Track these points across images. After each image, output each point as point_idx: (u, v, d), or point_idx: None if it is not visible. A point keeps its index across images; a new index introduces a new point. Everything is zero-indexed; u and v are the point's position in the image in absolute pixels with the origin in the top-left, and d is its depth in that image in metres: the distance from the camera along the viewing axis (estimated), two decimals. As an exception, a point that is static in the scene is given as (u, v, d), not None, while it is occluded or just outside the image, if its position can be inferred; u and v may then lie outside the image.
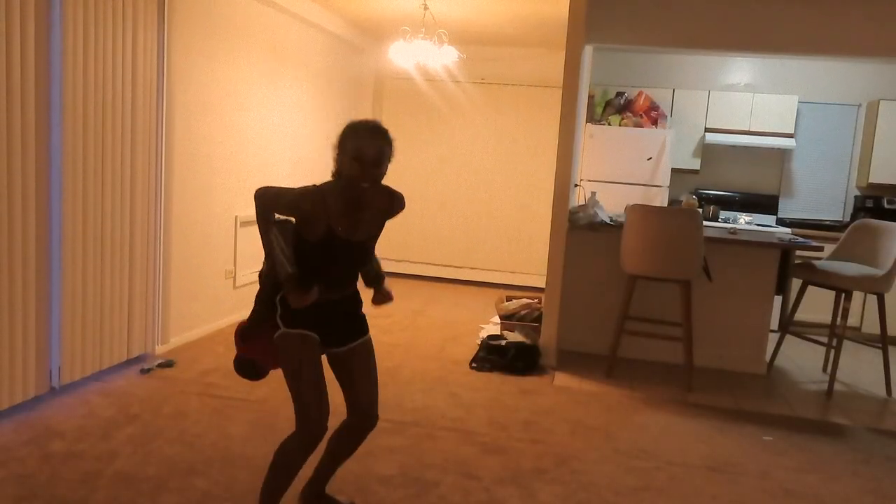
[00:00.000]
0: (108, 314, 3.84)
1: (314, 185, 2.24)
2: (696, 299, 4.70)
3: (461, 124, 7.40)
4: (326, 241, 2.23)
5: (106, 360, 3.86)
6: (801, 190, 6.77)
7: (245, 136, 5.12)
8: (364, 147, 2.17)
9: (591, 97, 6.48)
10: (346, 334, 2.37)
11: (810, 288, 4.78)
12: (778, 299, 4.97)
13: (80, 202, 3.56)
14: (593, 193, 4.99)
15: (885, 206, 6.28)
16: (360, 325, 2.43)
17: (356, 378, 2.39)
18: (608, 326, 4.85)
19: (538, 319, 4.88)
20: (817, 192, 6.75)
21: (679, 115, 6.62)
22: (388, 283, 2.53)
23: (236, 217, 5.08)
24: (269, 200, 2.25)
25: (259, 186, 2.29)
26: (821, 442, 3.64)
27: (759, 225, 6.33)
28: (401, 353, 4.74)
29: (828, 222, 6.55)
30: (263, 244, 2.27)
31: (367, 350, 2.42)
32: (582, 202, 5.48)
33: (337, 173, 2.26)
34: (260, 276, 2.38)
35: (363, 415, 2.40)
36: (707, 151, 6.75)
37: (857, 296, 5.73)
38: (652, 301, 4.83)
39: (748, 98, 6.49)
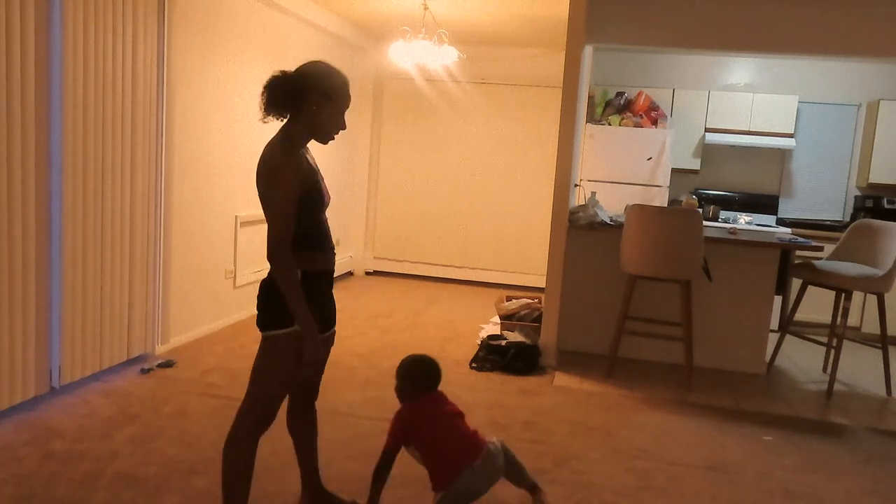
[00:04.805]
0: (108, 314, 3.84)
1: (279, 154, 2.08)
2: (696, 299, 4.70)
3: (461, 124, 7.40)
4: (317, 198, 2.16)
5: (106, 360, 3.85)
6: (801, 190, 6.77)
7: (245, 135, 5.12)
8: (347, 95, 2.21)
9: (591, 97, 6.47)
10: (329, 320, 2.33)
11: (810, 288, 4.79)
12: (778, 299, 4.97)
13: (81, 202, 3.56)
14: (593, 193, 4.99)
15: (885, 206, 6.28)
16: (335, 311, 2.40)
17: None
18: (608, 326, 4.85)
19: (538, 319, 4.88)
20: (817, 192, 6.75)
21: (679, 115, 6.62)
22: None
23: (236, 217, 5.08)
24: (283, 228, 2.05)
25: (268, 249, 2.08)
26: (821, 442, 3.64)
27: (759, 225, 6.33)
28: (401, 353, 4.72)
29: (828, 222, 6.55)
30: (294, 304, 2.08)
31: (333, 338, 2.41)
32: (582, 202, 5.48)
33: (291, 126, 2.17)
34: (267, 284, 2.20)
35: (310, 387, 2.46)
36: (707, 151, 6.75)
37: (857, 296, 5.74)
38: (652, 301, 4.83)
39: (748, 98, 6.49)
